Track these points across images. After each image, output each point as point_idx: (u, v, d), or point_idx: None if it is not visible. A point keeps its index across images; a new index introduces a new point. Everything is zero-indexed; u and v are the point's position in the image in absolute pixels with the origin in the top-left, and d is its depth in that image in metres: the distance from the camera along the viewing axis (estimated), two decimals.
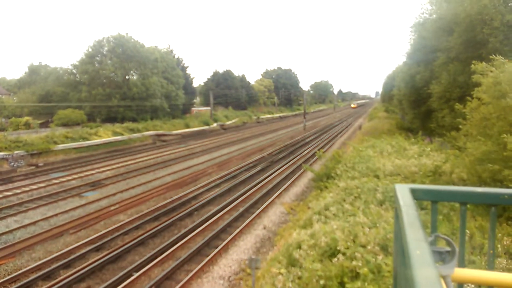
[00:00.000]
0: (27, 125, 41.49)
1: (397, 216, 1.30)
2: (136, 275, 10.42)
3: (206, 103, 75.17)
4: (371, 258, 6.05)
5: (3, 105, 49.20)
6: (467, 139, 9.75)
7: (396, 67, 47.93)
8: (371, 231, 7.08)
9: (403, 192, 1.40)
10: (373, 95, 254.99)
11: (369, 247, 6.44)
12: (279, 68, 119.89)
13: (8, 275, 10.93)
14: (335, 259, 6.39)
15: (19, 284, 10.21)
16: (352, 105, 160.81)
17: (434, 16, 18.61)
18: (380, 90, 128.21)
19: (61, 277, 10.51)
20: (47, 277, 10.78)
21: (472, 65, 9.80)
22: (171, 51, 62.78)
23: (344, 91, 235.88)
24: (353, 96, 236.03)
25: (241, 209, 16.29)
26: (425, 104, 20.78)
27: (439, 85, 16.85)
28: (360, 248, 6.47)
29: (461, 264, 1.46)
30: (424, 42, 19.70)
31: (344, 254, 6.44)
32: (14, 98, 59.55)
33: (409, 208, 1.22)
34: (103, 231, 14.06)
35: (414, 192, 1.43)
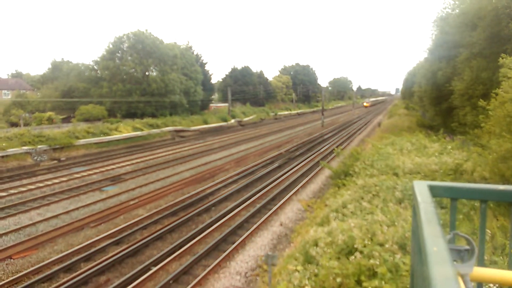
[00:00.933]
0: (50, 120, 42.48)
1: (415, 213, 1.28)
2: (154, 269, 10.57)
3: (224, 99, 75.51)
4: (389, 257, 5.98)
5: (27, 101, 50.49)
6: (490, 136, 9.52)
7: (417, 63, 47.15)
8: (389, 229, 7.00)
9: (421, 189, 1.37)
10: (393, 92, 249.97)
11: (387, 246, 6.37)
12: (297, 64, 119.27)
13: (32, 266, 11.24)
14: (352, 257, 6.34)
15: (42, 275, 10.49)
16: (365, 104, 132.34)
17: (457, 10, 18.20)
18: (400, 86, 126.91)
19: (82, 270, 10.75)
20: (68, 269, 11.04)
21: (501, 58, 9.55)
22: (190, 47, 63.16)
23: (363, 87, 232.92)
24: (372, 93, 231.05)
25: (258, 205, 16.32)
26: (446, 101, 20.37)
27: (461, 81, 16.50)
28: (377, 246, 6.41)
29: (481, 263, 1.43)
30: (446, 38, 19.29)
31: (361, 252, 6.38)
32: (38, 94, 61.02)
33: (427, 205, 1.20)
34: (123, 225, 14.31)
35: (432, 189, 1.40)
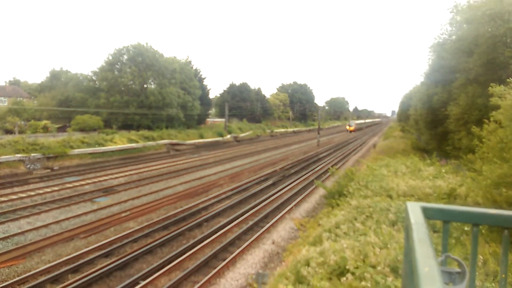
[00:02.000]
0: (45, 129, 42.31)
1: (408, 234, 1.28)
2: (142, 283, 10.39)
3: (221, 114, 75.73)
4: (381, 279, 5.94)
5: (23, 108, 50.35)
6: (483, 162, 9.59)
7: (413, 86, 47.69)
8: (381, 251, 6.96)
9: (414, 210, 1.38)
10: (389, 114, 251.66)
11: (379, 268, 6.33)
12: (295, 83, 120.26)
13: (18, 276, 11.02)
14: (344, 278, 6.29)
15: (28, 285, 10.28)
16: (348, 127, 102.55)
17: (454, 37, 18.53)
18: (396, 109, 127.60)
19: (69, 281, 10.55)
20: (55, 280, 10.83)
21: (490, 87, 9.69)
22: (190, 62, 63.64)
23: (360, 108, 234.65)
24: (368, 114, 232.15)
25: (250, 223, 16.20)
26: (442, 125, 20.55)
27: (457, 106, 16.68)
28: (370, 268, 6.36)
29: (472, 286, 1.42)
30: (443, 63, 19.59)
31: (353, 273, 6.33)
32: (35, 102, 60.89)
33: (420, 226, 1.20)
34: (113, 237, 14.12)
35: (425, 210, 1.41)
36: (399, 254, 6.54)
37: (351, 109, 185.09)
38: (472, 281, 1.45)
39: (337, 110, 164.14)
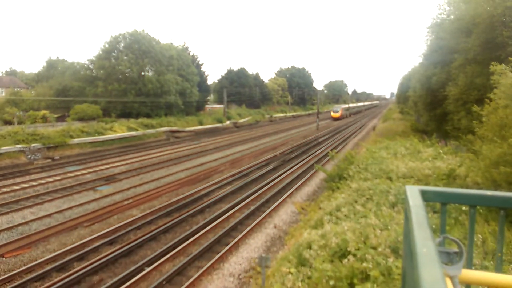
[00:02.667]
0: (44, 119, 42.25)
1: (407, 217, 1.33)
2: (147, 269, 10.57)
3: (220, 100, 75.52)
4: (382, 260, 6.04)
5: (21, 99, 50.14)
6: (483, 141, 9.64)
7: (412, 68, 47.41)
8: (382, 233, 7.06)
9: (413, 193, 1.43)
10: (388, 96, 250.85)
11: (380, 249, 6.43)
12: (293, 67, 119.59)
13: (24, 265, 11.20)
14: (346, 260, 6.40)
15: (34, 274, 10.44)
16: (333, 113, 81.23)
17: (452, 17, 18.36)
18: (395, 91, 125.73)
19: (75, 269, 10.72)
20: (61, 268, 11.00)
21: (491, 66, 9.68)
22: (187, 48, 63.14)
23: (358, 91, 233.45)
24: (367, 97, 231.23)
25: (252, 208, 16.35)
26: (441, 106, 20.53)
27: (455, 87, 16.64)
28: (371, 250, 6.47)
29: (469, 266, 1.48)
30: (441, 43, 19.46)
31: (354, 255, 6.44)
32: (32, 92, 60.60)
33: (419, 208, 1.25)
34: (116, 225, 14.28)
35: (424, 193, 1.46)
36: (399, 236, 6.65)
37: (350, 92, 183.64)
38: (469, 260, 1.51)
39: (336, 93, 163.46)
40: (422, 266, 0.87)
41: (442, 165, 12.99)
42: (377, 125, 57.57)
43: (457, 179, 11.35)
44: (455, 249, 1.29)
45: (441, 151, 16.43)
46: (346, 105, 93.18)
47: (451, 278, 1.24)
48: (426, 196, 1.46)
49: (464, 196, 1.56)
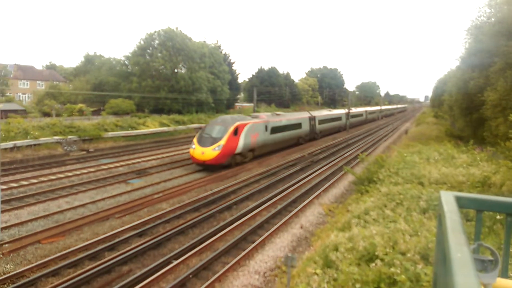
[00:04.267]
0: (81, 112, 43.76)
1: (440, 222, 1.34)
2: (175, 262, 10.80)
3: (249, 99, 75.84)
4: (410, 266, 5.94)
5: (59, 92, 52.13)
6: None
7: (448, 71, 46.09)
8: (412, 239, 6.94)
9: (448, 198, 1.43)
10: (422, 99, 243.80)
11: (408, 255, 6.33)
12: (325, 67, 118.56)
13: (59, 252, 11.68)
14: (373, 264, 6.33)
15: (68, 261, 10.89)
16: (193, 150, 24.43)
17: (493, 19, 17.74)
18: (430, 94, 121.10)
19: (106, 259, 11.10)
20: (93, 257, 11.40)
21: None
22: (219, 46, 63.79)
23: (391, 93, 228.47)
24: (401, 99, 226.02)
25: (279, 207, 16.38)
26: (478, 111, 19.87)
27: (494, 92, 16.07)
28: (399, 255, 6.37)
29: (504, 275, 1.47)
30: (480, 46, 18.82)
31: (382, 260, 6.36)
32: (70, 86, 62.85)
33: (453, 214, 1.26)
34: (146, 218, 14.66)
35: (459, 199, 1.46)
36: (430, 242, 6.51)
37: (382, 94, 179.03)
38: (505, 269, 1.50)
39: (368, 95, 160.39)
40: (457, 272, 0.89)
41: (476, 172, 12.58)
42: (410, 128, 56.24)
43: (492, 187, 10.97)
44: (490, 257, 1.29)
45: (476, 157, 15.90)
46: (357, 109, 70.00)
47: (485, 286, 1.25)
48: (461, 202, 1.46)
49: (500, 204, 1.55)
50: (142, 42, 52.04)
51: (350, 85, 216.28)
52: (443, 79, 51.86)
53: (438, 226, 1.44)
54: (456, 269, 0.92)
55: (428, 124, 54.58)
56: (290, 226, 14.49)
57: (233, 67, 67.25)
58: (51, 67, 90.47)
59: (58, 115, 40.20)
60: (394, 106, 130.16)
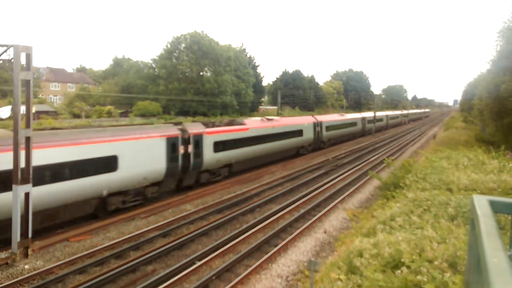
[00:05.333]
0: (109, 114, 44.85)
1: (473, 226, 1.30)
2: (198, 263, 10.88)
3: (273, 102, 75.85)
4: (438, 275, 5.78)
5: (89, 94, 53.60)
6: None
7: (478, 74, 44.77)
8: (439, 246, 6.76)
9: (481, 203, 1.38)
10: (451, 103, 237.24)
11: (436, 263, 6.16)
12: (350, 70, 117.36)
13: (86, 250, 11.96)
14: (399, 271, 6.19)
15: (95, 259, 11.15)
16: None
17: None
18: (459, 98, 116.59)
19: (131, 258, 11.30)
20: (118, 256, 11.63)
21: None
22: (244, 49, 64.20)
23: (419, 97, 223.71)
24: (428, 103, 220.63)
25: (302, 211, 16.26)
26: (509, 116, 19.21)
27: None
28: (426, 262, 6.21)
29: None
30: None
31: (408, 267, 6.21)
32: (99, 88, 64.52)
33: (487, 218, 1.21)
34: (171, 219, 14.85)
35: (493, 204, 1.40)
36: (459, 250, 6.32)
37: (409, 97, 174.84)
38: None
39: (395, 98, 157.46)
40: (494, 277, 0.85)
41: (508, 179, 12.14)
42: (438, 133, 54.88)
43: None
44: None
45: (508, 163, 15.35)
46: (350, 115, 50.54)
47: None
48: (495, 207, 1.41)
49: None
50: (169, 46, 52.97)
51: (376, 88, 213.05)
52: (473, 83, 50.42)
53: (470, 231, 1.39)
54: (493, 276, 0.87)
55: (457, 128, 53.12)
56: (314, 230, 14.36)
57: (257, 70, 67.47)
58: (82, 70, 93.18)
59: (87, 116, 41.34)
60: (417, 110, 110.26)
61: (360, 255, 7.42)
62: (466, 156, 17.92)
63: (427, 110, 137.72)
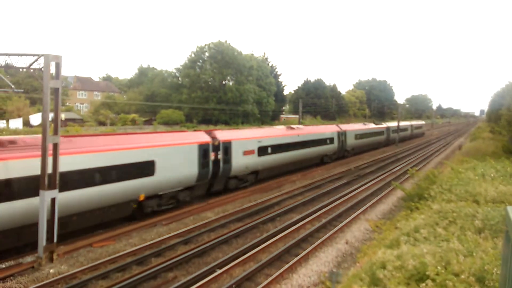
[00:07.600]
0: (133, 121, 45.71)
1: (508, 239, 1.26)
2: (219, 271, 10.87)
3: (295, 111, 75.71)
4: None
5: (114, 102, 54.84)
6: None
7: (506, 84, 43.49)
8: (466, 259, 6.56)
9: None
10: (477, 113, 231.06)
11: (462, 277, 5.98)
12: (373, 79, 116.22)
13: (109, 256, 12.14)
14: (423, 284, 6.03)
15: (117, 265, 11.29)
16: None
17: None
18: (485, 108, 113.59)
19: (152, 264, 11.40)
20: (140, 262, 11.75)
21: None
22: (266, 58, 64.51)
23: (444, 106, 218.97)
24: (454, 113, 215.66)
25: (323, 221, 16.09)
26: None
27: None
28: (452, 276, 6.04)
29: None
30: None
31: (433, 280, 6.05)
32: (124, 96, 65.97)
33: None
34: (192, 226, 14.93)
35: None
36: (487, 264, 6.12)
37: (434, 107, 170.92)
38: None
39: (419, 108, 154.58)
40: None
41: None
42: (464, 144, 53.54)
43: None
44: None
45: None
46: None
47: None
48: None
49: None
50: (192, 55, 53.78)
51: (400, 98, 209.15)
52: (500, 93, 48.99)
53: (505, 243, 1.35)
54: None
55: (484, 139, 51.65)
56: (335, 241, 14.17)
57: (279, 79, 67.59)
58: (107, 79, 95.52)
59: (112, 124, 42.26)
60: (420, 122, 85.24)
61: (383, 267, 7.27)
62: (493, 167, 17.40)
63: (421, 122, 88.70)
